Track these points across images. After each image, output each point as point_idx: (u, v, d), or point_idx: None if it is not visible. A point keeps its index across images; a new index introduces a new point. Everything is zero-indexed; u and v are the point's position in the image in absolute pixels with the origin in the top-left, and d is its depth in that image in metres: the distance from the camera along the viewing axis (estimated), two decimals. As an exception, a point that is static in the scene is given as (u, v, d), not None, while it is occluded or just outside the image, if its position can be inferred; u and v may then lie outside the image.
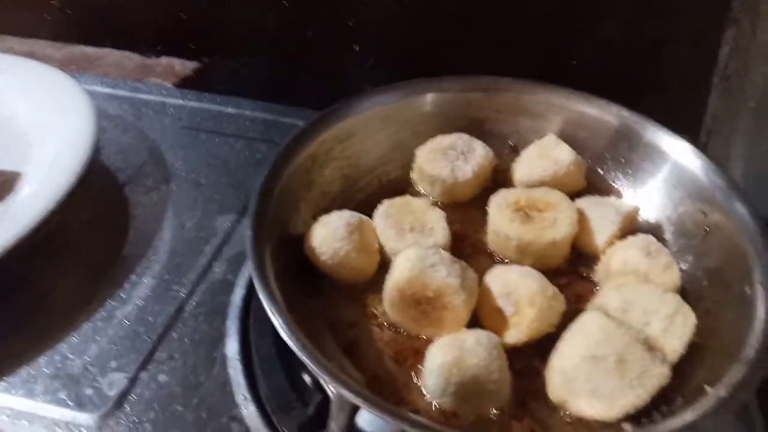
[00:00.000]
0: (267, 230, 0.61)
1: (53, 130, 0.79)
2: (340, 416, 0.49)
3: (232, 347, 0.65)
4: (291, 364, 0.62)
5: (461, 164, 0.72)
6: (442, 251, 0.61)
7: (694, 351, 0.57)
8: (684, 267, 0.65)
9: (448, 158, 0.73)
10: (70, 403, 0.60)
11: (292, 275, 0.61)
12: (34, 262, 0.72)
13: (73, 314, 0.67)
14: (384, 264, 0.65)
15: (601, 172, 0.75)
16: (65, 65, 1.04)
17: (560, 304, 0.60)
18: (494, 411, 0.55)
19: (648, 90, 0.96)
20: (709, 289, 0.63)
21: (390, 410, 0.48)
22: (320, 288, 0.64)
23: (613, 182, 0.74)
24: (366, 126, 0.74)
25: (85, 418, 0.59)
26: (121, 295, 0.69)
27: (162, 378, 0.62)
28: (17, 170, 0.77)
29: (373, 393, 0.51)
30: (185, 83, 1.06)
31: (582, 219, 0.67)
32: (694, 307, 0.58)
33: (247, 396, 0.61)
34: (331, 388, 0.50)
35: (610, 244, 0.66)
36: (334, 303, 0.63)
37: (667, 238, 0.68)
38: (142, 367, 0.63)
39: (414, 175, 0.75)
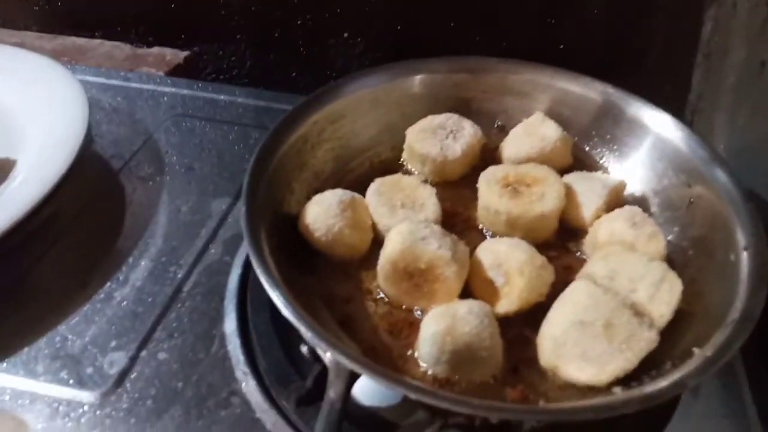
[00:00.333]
0: (261, 209, 0.62)
1: (46, 118, 0.80)
2: (338, 384, 0.50)
3: (230, 325, 0.66)
4: (288, 340, 0.63)
5: (450, 143, 0.73)
6: (433, 225, 0.62)
7: (681, 317, 0.58)
8: (670, 238, 0.67)
9: (438, 137, 0.74)
10: (71, 381, 0.61)
11: (287, 253, 0.63)
12: (33, 247, 0.73)
13: (72, 296, 0.68)
14: (377, 241, 0.66)
15: (588, 149, 0.77)
16: (56, 57, 1.03)
17: (549, 274, 0.61)
18: (487, 378, 0.56)
19: (631, 70, 0.98)
20: (694, 258, 0.64)
21: (387, 375, 0.49)
22: (315, 265, 0.65)
23: (600, 158, 0.76)
24: (356, 107, 0.76)
25: (86, 396, 0.60)
26: (119, 277, 0.70)
27: (162, 356, 0.63)
28: (11, 157, 0.78)
29: (369, 362, 0.52)
30: (177, 72, 1.07)
31: (569, 193, 0.68)
32: (681, 275, 0.60)
33: (246, 371, 0.62)
34: (328, 357, 0.52)
35: (597, 217, 0.68)
36: (328, 279, 0.65)
37: (653, 211, 0.70)
38: (142, 345, 0.64)
39: (405, 155, 0.76)
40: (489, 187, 0.68)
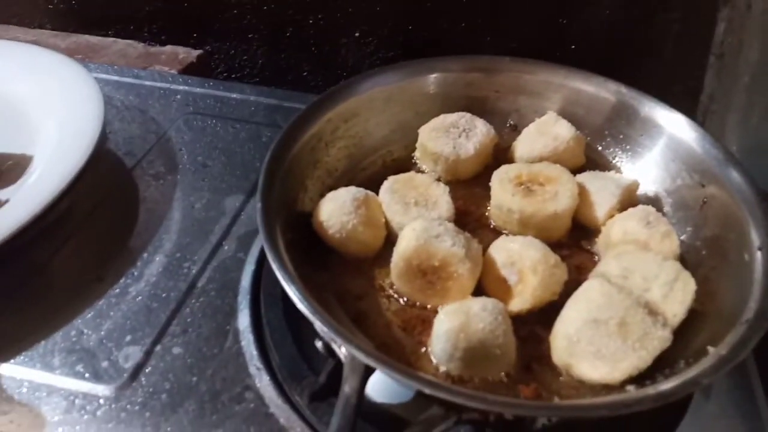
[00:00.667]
0: (275, 206, 0.63)
1: (62, 115, 0.81)
2: (353, 379, 0.50)
3: (243, 320, 0.66)
4: (301, 335, 0.63)
5: (463, 141, 0.74)
6: (447, 223, 0.63)
7: (694, 316, 0.58)
8: (683, 238, 0.67)
9: (451, 136, 0.74)
10: (86, 375, 0.61)
11: (301, 250, 0.63)
12: (48, 243, 0.74)
13: (88, 291, 0.69)
14: (390, 239, 0.66)
15: (600, 149, 0.77)
16: (70, 54, 1.04)
17: (562, 272, 0.61)
18: (500, 375, 0.57)
19: (643, 71, 0.98)
20: (707, 258, 0.64)
21: (402, 370, 0.49)
22: (328, 262, 0.66)
23: (613, 158, 0.76)
24: (369, 106, 0.76)
25: (102, 389, 0.60)
26: (134, 272, 0.71)
27: (176, 350, 0.64)
28: (28, 154, 0.79)
29: (382, 359, 0.53)
30: (189, 70, 1.07)
31: (582, 192, 0.68)
32: (694, 275, 0.59)
33: (260, 366, 0.63)
34: (343, 351, 0.52)
35: (610, 216, 0.68)
36: (342, 276, 0.65)
37: (666, 211, 0.70)
38: (157, 340, 0.65)
39: (417, 154, 0.77)
40: (502, 185, 0.68)
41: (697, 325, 0.58)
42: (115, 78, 1.01)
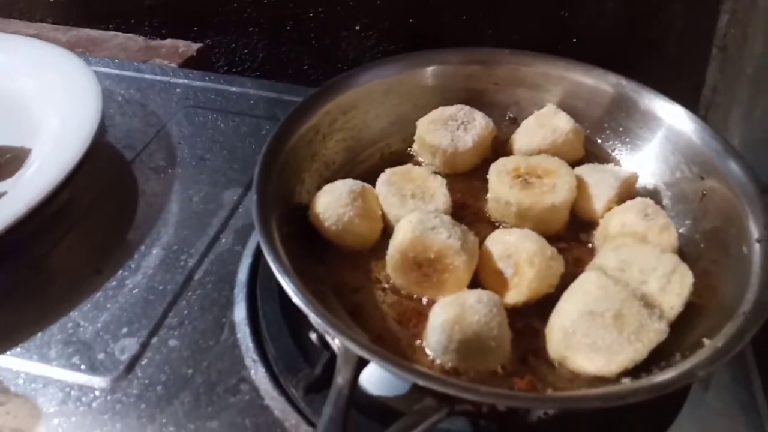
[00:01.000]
0: (272, 198, 0.63)
1: (60, 107, 0.81)
2: (346, 370, 0.50)
3: (240, 313, 0.67)
4: (297, 328, 0.63)
5: (461, 134, 0.73)
6: (443, 215, 0.62)
7: (692, 309, 0.58)
8: (682, 230, 0.66)
9: (449, 128, 0.74)
10: (83, 367, 0.62)
11: (298, 243, 0.63)
12: (48, 235, 0.74)
13: (85, 283, 0.69)
14: (387, 231, 0.66)
15: (600, 141, 0.76)
16: (71, 48, 1.05)
17: (559, 265, 0.61)
18: (496, 368, 0.56)
19: (645, 64, 0.97)
20: (706, 251, 0.64)
21: (394, 361, 0.49)
22: (325, 255, 0.66)
23: (612, 151, 0.75)
24: (368, 98, 0.76)
25: (97, 381, 0.61)
26: (131, 265, 0.71)
27: (172, 342, 0.64)
28: (27, 146, 0.79)
29: (377, 351, 0.53)
30: (189, 64, 1.07)
31: (581, 185, 0.68)
32: (693, 268, 0.59)
33: (256, 358, 0.63)
34: (336, 343, 0.52)
35: (609, 209, 0.67)
36: (338, 269, 0.65)
37: (665, 203, 0.69)
38: (153, 332, 0.65)
39: (415, 146, 0.76)
40: (499, 178, 0.68)
41: (695, 317, 0.58)
42: (116, 71, 1.01)
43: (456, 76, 0.79)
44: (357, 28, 1.08)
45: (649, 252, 0.60)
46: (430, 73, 0.79)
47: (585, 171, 0.70)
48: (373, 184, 0.69)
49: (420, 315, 0.60)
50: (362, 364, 0.51)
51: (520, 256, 0.60)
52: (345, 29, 1.08)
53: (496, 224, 0.69)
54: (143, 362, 0.62)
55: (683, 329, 0.57)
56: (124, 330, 0.65)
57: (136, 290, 0.68)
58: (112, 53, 1.08)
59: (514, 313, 0.59)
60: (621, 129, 0.75)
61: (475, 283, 0.62)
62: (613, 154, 0.75)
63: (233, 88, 0.99)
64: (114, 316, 0.66)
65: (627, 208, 0.65)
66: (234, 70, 1.16)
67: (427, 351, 0.57)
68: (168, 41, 1.12)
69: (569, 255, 0.65)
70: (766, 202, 0.60)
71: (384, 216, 0.67)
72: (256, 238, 0.74)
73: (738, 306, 0.55)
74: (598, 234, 0.67)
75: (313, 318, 0.51)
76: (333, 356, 0.55)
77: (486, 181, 0.69)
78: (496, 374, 0.56)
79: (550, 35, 1.01)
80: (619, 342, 0.54)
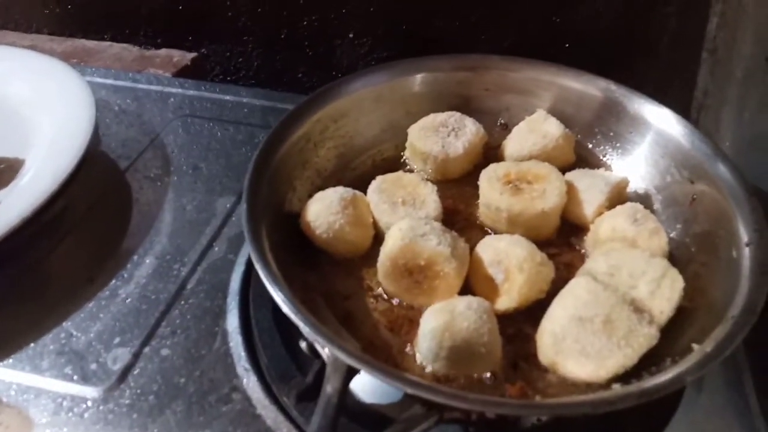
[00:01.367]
0: (262, 206, 0.63)
1: (53, 117, 0.82)
2: (335, 379, 0.50)
3: (232, 321, 0.67)
4: (290, 336, 0.63)
5: (452, 140, 0.74)
6: (434, 222, 0.63)
7: (683, 313, 0.58)
8: (673, 234, 0.66)
9: (440, 135, 0.74)
10: (75, 377, 0.62)
11: (289, 250, 0.63)
12: (41, 244, 0.74)
13: (78, 293, 0.69)
14: (379, 238, 0.66)
15: (590, 146, 0.76)
16: (66, 58, 1.06)
17: (549, 270, 0.61)
18: (486, 374, 0.56)
19: (637, 67, 0.97)
20: (697, 254, 0.64)
21: (383, 369, 0.49)
22: (316, 263, 0.66)
23: (602, 155, 0.76)
24: (359, 106, 0.76)
25: (90, 392, 0.61)
26: (124, 274, 0.71)
27: (165, 352, 0.64)
28: (20, 157, 0.80)
29: (368, 359, 0.53)
30: (184, 73, 1.08)
31: (571, 190, 0.68)
32: (683, 272, 0.59)
33: (248, 367, 0.63)
34: (326, 352, 0.52)
35: (599, 214, 0.67)
36: (329, 276, 0.65)
37: (656, 207, 0.69)
38: (146, 342, 0.65)
39: (407, 153, 0.77)
40: (490, 184, 0.68)
41: (685, 322, 0.58)
42: (111, 81, 1.02)
43: (447, 82, 0.79)
44: (351, 35, 1.08)
45: (639, 256, 0.60)
46: (420, 79, 0.79)
47: (575, 176, 0.70)
48: (366, 192, 0.69)
49: (411, 322, 0.61)
50: (352, 372, 0.51)
51: (510, 262, 0.60)
52: (339, 37, 1.08)
53: (488, 230, 0.69)
54: (135, 372, 0.62)
55: (673, 333, 0.57)
56: (117, 340, 0.65)
57: (129, 300, 0.69)
58: (107, 63, 1.09)
59: (505, 318, 0.60)
60: (611, 134, 0.75)
61: (466, 289, 0.62)
62: (603, 158, 0.75)
63: (228, 97, 0.99)
64: (107, 326, 0.66)
65: (617, 213, 0.65)
66: (229, 78, 1.17)
67: (418, 358, 0.57)
68: (163, 51, 1.13)
69: (560, 260, 0.66)
70: (755, 205, 0.61)
71: (375, 223, 0.67)
72: (245, 240, 0.74)
73: (728, 310, 0.55)
74: (588, 239, 0.67)
75: (302, 327, 0.51)
76: (324, 364, 0.55)
77: (477, 187, 0.70)
78: (486, 381, 0.56)
79: (543, 40, 1.01)
80: (608, 347, 0.54)
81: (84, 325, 0.66)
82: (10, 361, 0.63)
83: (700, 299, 0.59)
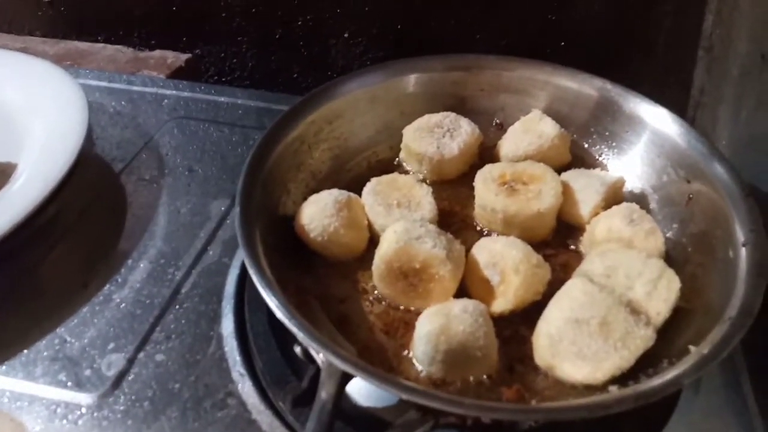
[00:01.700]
0: (256, 209, 0.62)
1: (46, 121, 0.81)
2: (330, 384, 0.50)
3: (227, 326, 0.66)
4: (285, 341, 0.63)
5: (447, 141, 0.73)
6: (429, 224, 0.62)
7: (680, 314, 0.58)
8: (669, 234, 0.66)
9: (435, 136, 0.74)
10: (69, 384, 0.61)
11: (283, 254, 0.63)
12: (35, 249, 0.74)
13: (71, 298, 0.68)
14: (374, 241, 0.66)
15: (586, 146, 0.76)
16: (59, 61, 1.06)
17: (545, 272, 0.61)
18: (483, 377, 0.56)
19: (633, 66, 0.97)
20: (694, 254, 0.64)
21: (377, 375, 0.49)
22: (311, 266, 0.65)
23: (598, 155, 0.75)
24: (353, 107, 0.76)
25: (84, 398, 0.60)
26: (118, 279, 0.71)
27: (159, 357, 0.64)
28: (12, 161, 0.79)
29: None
30: (178, 74, 1.07)
31: (567, 190, 0.68)
32: (680, 272, 0.59)
33: (243, 372, 0.62)
34: (320, 357, 0.51)
35: (595, 214, 0.67)
36: (324, 279, 0.65)
37: (652, 207, 0.69)
38: (140, 347, 0.64)
39: (402, 154, 0.76)
40: (486, 185, 0.68)
41: (682, 323, 0.58)
42: (105, 83, 1.01)
43: (441, 82, 0.79)
44: (346, 35, 1.07)
45: (635, 257, 0.60)
46: (415, 80, 0.79)
47: (571, 176, 0.70)
48: (361, 194, 0.69)
49: (407, 325, 0.60)
50: (347, 378, 0.50)
51: (506, 263, 0.60)
52: (334, 37, 1.08)
53: (484, 231, 0.69)
54: (130, 378, 0.62)
55: (670, 335, 0.57)
56: (111, 345, 0.64)
57: (123, 304, 0.68)
58: (100, 65, 1.08)
59: (502, 320, 0.59)
60: (607, 133, 0.74)
61: (462, 291, 0.61)
62: (599, 158, 0.75)
63: (222, 98, 0.99)
64: (101, 332, 0.66)
65: (613, 214, 0.65)
66: (223, 79, 1.16)
67: (414, 362, 0.57)
68: (157, 52, 1.12)
69: (556, 261, 0.65)
70: (752, 205, 0.60)
71: (370, 226, 0.67)
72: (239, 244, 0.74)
73: (724, 311, 0.55)
74: (585, 240, 0.67)
75: (297, 333, 0.51)
76: (319, 369, 0.55)
77: (473, 189, 0.69)
78: (483, 384, 0.56)
79: (538, 39, 1.01)
80: (605, 350, 0.54)
81: (78, 330, 0.66)
82: (3, 367, 0.63)
83: (697, 300, 0.59)
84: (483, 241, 0.63)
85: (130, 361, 0.63)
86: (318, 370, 0.56)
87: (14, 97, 0.86)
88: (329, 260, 0.66)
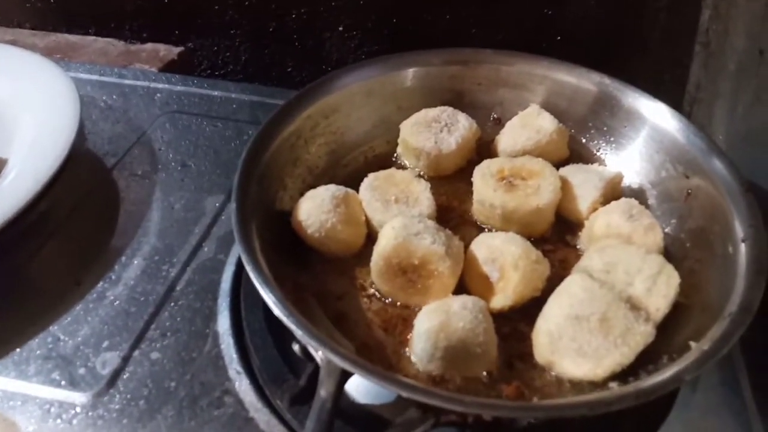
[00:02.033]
0: (252, 205, 0.62)
1: (37, 115, 0.80)
2: (329, 382, 0.49)
3: (223, 323, 0.65)
4: (282, 338, 0.62)
5: (445, 136, 0.73)
6: (427, 220, 0.62)
7: (679, 310, 0.58)
8: (668, 230, 0.66)
9: (432, 131, 0.73)
10: (63, 383, 0.60)
11: (280, 250, 0.62)
12: (26, 246, 0.73)
13: (65, 296, 0.68)
14: (372, 237, 0.65)
15: (584, 141, 0.76)
16: (50, 53, 1.04)
17: (544, 268, 0.60)
18: (482, 374, 0.56)
19: (629, 61, 0.97)
20: (692, 250, 0.63)
21: (377, 372, 0.48)
22: (308, 262, 0.65)
23: (597, 150, 0.75)
24: (349, 101, 0.75)
25: (78, 397, 0.59)
26: (112, 276, 0.70)
27: (154, 355, 0.63)
28: (2, 156, 0.78)
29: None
30: (170, 68, 1.06)
31: (565, 186, 0.68)
32: (679, 268, 0.59)
33: (240, 370, 0.62)
34: (319, 355, 0.51)
35: (594, 209, 0.67)
36: (321, 276, 0.64)
37: (650, 203, 0.69)
38: (135, 345, 0.63)
39: (399, 149, 0.76)
40: (484, 180, 0.67)
41: (681, 318, 0.58)
42: (96, 77, 1.00)
43: (439, 77, 0.78)
44: (340, 28, 1.06)
45: (635, 253, 0.59)
46: (412, 74, 0.78)
47: (569, 171, 0.69)
48: (358, 189, 0.68)
49: (406, 322, 0.60)
50: (346, 375, 0.50)
51: (506, 259, 0.59)
52: (328, 30, 1.07)
53: (482, 227, 0.69)
54: (125, 376, 0.61)
55: (670, 331, 0.56)
56: (105, 343, 0.64)
57: (117, 302, 0.67)
58: (91, 58, 1.07)
59: (501, 317, 0.59)
60: (605, 128, 0.74)
61: (461, 287, 0.61)
62: (598, 153, 0.75)
63: (216, 92, 0.98)
64: (95, 330, 0.65)
65: (612, 209, 0.65)
66: (216, 73, 1.15)
67: (413, 359, 0.57)
68: (149, 45, 1.11)
69: (555, 257, 0.65)
70: (751, 200, 0.60)
71: (368, 221, 0.66)
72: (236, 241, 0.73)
73: (724, 307, 0.54)
74: (583, 235, 0.67)
75: (295, 330, 0.50)
76: (317, 367, 0.54)
77: (471, 183, 0.69)
78: (482, 381, 0.55)
79: (535, 34, 1.00)
80: (605, 346, 0.53)
81: (71, 328, 0.65)
82: (-4, 367, 0.62)
83: (696, 296, 0.59)
84: (482, 236, 0.63)
85: (125, 360, 0.62)
86: (316, 367, 0.56)
87: (4, 91, 0.84)
88: (327, 256, 0.65)
